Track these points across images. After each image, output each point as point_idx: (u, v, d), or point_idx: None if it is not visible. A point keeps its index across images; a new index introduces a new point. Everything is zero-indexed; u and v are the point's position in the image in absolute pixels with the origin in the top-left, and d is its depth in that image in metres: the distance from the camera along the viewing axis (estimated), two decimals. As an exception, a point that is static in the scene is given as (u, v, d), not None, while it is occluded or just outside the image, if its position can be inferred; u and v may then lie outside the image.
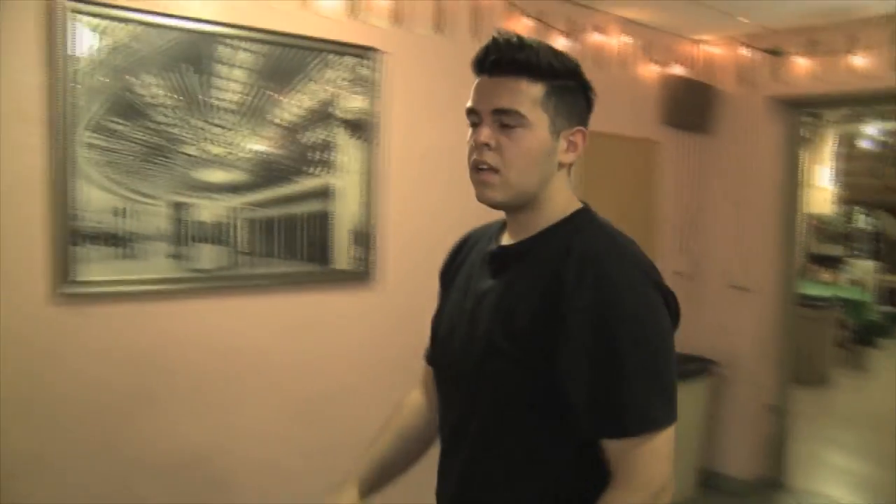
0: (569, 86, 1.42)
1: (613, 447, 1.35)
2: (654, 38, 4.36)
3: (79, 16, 2.50)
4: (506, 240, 1.52)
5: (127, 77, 2.61)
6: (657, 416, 1.34)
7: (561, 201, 1.47)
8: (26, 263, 2.51)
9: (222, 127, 2.81)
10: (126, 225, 2.64)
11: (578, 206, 1.50)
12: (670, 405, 1.36)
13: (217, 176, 2.82)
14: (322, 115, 3.07)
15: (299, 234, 3.06)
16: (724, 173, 4.77)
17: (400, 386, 3.39)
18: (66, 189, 2.52)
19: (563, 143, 1.43)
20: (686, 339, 4.58)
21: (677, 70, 4.48)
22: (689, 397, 4.35)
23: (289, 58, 2.96)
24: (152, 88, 2.66)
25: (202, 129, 2.77)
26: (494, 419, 1.44)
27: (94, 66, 2.54)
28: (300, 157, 3.03)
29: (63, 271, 2.55)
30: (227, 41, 2.80)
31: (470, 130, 1.43)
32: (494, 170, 1.39)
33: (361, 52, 3.16)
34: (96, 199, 2.57)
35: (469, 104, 1.42)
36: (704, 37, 4.59)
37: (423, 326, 3.36)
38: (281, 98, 2.95)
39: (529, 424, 1.41)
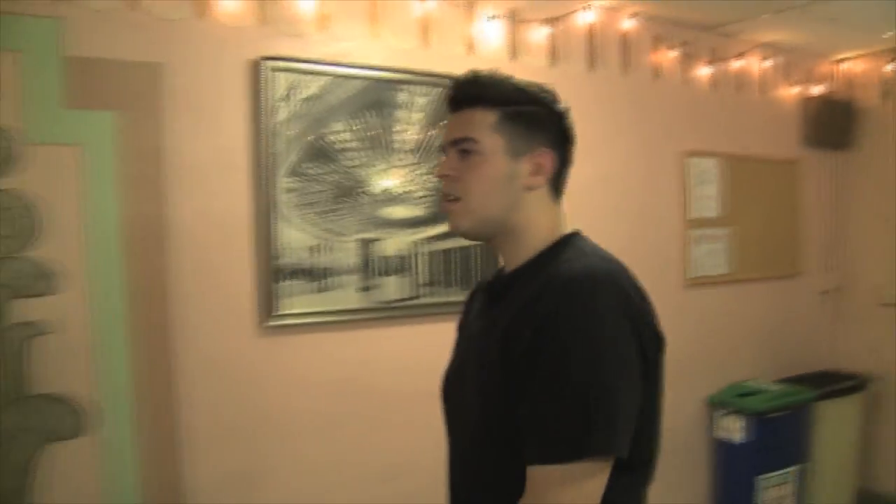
0: (527, 110, 1.40)
1: (530, 475, 1.24)
2: (794, 59, 4.36)
3: (277, 73, 2.71)
4: (505, 269, 1.47)
5: (318, 125, 2.81)
6: (582, 445, 1.19)
7: (542, 228, 1.41)
8: (236, 299, 2.73)
9: (402, 167, 2.98)
10: (321, 261, 2.83)
11: (564, 232, 1.43)
12: (607, 438, 1.20)
13: (399, 212, 2.99)
14: (488, 152, 3.20)
15: (473, 264, 3.19)
16: (870, 189, 4.68)
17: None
18: (269, 230, 2.72)
19: (526, 167, 1.39)
20: (834, 357, 4.53)
21: (817, 89, 4.46)
22: (840, 415, 4.26)
23: (457, 100, 3.11)
24: (341, 134, 2.86)
25: (385, 169, 2.95)
26: (477, 456, 1.40)
27: (291, 117, 2.75)
28: (472, 192, 3.16)
29: (268, 305, 2.75)
30: (404, 86, 2.98)
31: None
32: (456, 199, 1.39)
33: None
34: (295, 238, 2.77)
35: (442, 140, 1.46)
36: (845, 54, 4.55)
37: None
38: (452, 138, 3.10)
39: (504, 461, 1.31)
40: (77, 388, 2.51)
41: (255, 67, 2.71)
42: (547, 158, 1.41)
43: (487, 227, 1.40)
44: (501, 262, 1.48)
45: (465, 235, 1.43)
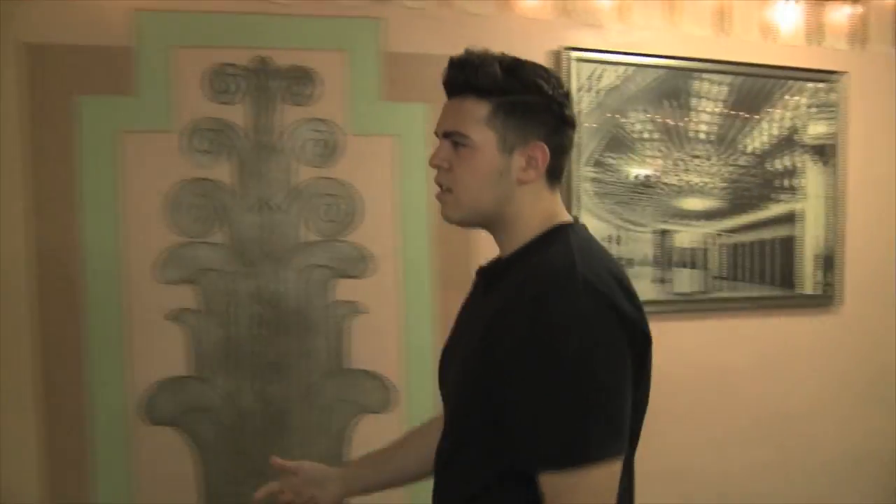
0: (523, 100, 1.30)
1: (547, 481, 1.18)
2: None
3: (580, 63, 2.69)
4: (500, 255, 1.40)
5: (617, 115, 2.76)
6: (593, 449, 1.15)
7: (536, 217, 1.33)
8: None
9: (698, 157, 2.87)
10: (618, 252, 2.78)
11: (559, 222, 1.34)
12: (613, 438, 1.18)
13: (694, 204, 2.88)
14: (787, 142, 3.03)
15: (767, 260, 3.02)
16: None
17: (861, 412, 3.24)
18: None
19: (518, 161, 1.30)
20: None
21: None
22: None
23: (755, 88, 2.96)
24: (639, 125, 2.79)
25: (681, 159, 2.85)
26: (455, 446, 1.36)
27: (592, 107, 2.72)
28: (767, 183, 3.00)
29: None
30: (701, 75, 2.86)
31: None
32: (448, 189, 1.33)
33: (823, 76, 3.07)
34: (594, 228, 2.72)
35: (435, 129, 1.38)
36: None
37: (888, 352, 3.19)
38: (749, 127, 2.95)
39: (481, 459, 1.28)
40: (386, 366, 2.61)
41: (558, 58, 2.71)
42: (540, 151, 1.31)
43: (479, 218, 1.35)
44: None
45: (458, 224, 1.38)
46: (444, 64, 2.50)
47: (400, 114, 2.59)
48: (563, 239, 1.30)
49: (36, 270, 2.36)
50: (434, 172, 1.38)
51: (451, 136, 1.32)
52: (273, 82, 2.49)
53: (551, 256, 1.27)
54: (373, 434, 2.58)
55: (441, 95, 2.50)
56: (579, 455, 1.15)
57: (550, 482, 1.17)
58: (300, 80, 2.51)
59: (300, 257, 2.53)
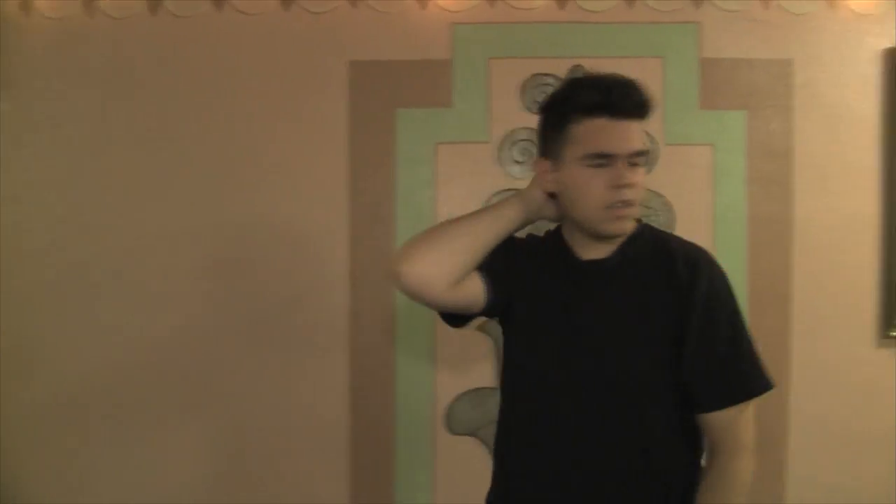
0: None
1: (724, 416, 1.45)
2: None
3: (916, 62, 2.44)
4: (583, 254, 1.53)
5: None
6: (765, 380, 1.46)
7: None
8: (858, 305, 2.50)
9: None
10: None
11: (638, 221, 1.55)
12: (766, 372, 1.47)
13: None
14: None
15: None
16: None
17: None
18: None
19: None
20: None
21: None
22: None
23: None
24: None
25: None
26: (636, 421, 1.46)
27: (929, 110, 2.46)
28: None
29: (890, 315, 2.48)
30: None
31: (594, 171, 1.43)
32: (631, 205, 1.43)
33: None
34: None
35: (602, 149, 1.41)
36: None
37: None
38: None
39: (651, 417, 1.47)
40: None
41: (891, 57, 2.47)
42: None
43: None
44: (581, 245, 1.55)
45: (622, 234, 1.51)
46: (766, 68, 2.38)
47: (717, 122, 2.45)
48: (659, 229, 1.63)
49: (351, 277, 2.46)
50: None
51: (640, 156, 1.44)
52: (587, 91, 2.42)
53: (679, 239, 1.58)
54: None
55: (762, 102, 2.37)
56: (757, 388, 1.46)
57: (726, 416, 1.45)
58: (615, 89, 2.43)
59: (609, 270, 2.44)
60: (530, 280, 1.55)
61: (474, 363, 2.46)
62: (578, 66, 2.42)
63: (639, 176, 1.44)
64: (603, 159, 1.41)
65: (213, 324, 2.45)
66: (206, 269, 2.44)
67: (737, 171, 2.45)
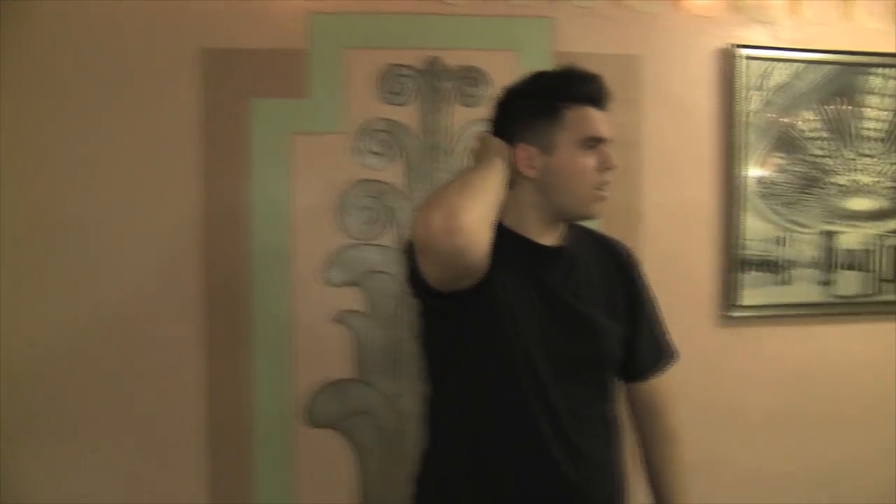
0: None
1: (660, 380, 1.77)
2: None
3: (749, 61, 2.59)
4: (544, 240, 1.62)
5: (787, 114, 2.65)
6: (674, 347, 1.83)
7: None
8: (697, 288, 2.65)
9: (870, 156, 2.74)
10: (783, 253, 2.68)
11: None
12: None
13: (861, 204, 2.75)
14: (959, 140, 2.88)
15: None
16: None
17: None
18: (734, 220, 2.61)
19: None
20: None
21: None
22: None
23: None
24: (809, 123, 2.67)
25: (852, 159, 2.72)
26: (606, 394, 1.65)
27: (762, 106, 2.62)
28: (941, 181, 2.86)
29: (729, 296, 2.64)
30: (876, 70, 2.73)
31: (587, 153, 1.56)
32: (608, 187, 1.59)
33: None
34: (759, 229, 2.64)
35: (597, 133, 1.56)
36: None
37: None
38: (923, 125, 2.81)
39: (612, 390, 1.68)
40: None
41: (727, 56, 2.61)
42: None
43: None
44: (535, 234, 1.62)
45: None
46: (616, 63, 2.46)
47: (570, 114, 2.51)
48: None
49: (206, 271, 2.38)
50: None
51: (607, 144, 1.58)
52: (443, 83, 2.45)
53: (588, 228, 1.76)
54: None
55: (613, 95, 2.44)
56: (675, 351, 1.82)
57: (659, 378, 1.78)
58: (470, 81, 2.46)
59: (467, 259, 2.48)
60: (501, 264, 1.50)
61: (333, 355, 2.44)
62: (436, 58, 2.43)
63: None
64: (594, 142, 1.56)
65: (70, 324, 2.32)
66: (50, 267, 2.31)
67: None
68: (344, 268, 2.42)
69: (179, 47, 2.34)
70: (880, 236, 2.78)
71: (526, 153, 1.57)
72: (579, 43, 2.51)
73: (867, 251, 2.77)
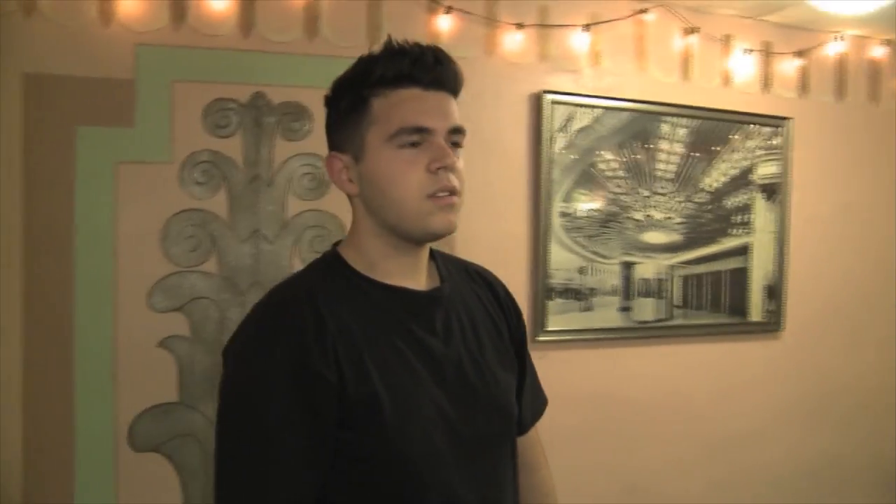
0: None
1: (535, 431, 1.46)
2: None
3: (556, 105, 2.84)
4: (409, 282, 1.22)
5: (590, 154, 2.91)
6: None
7: None
8: (510, 315, 2.85)
9: (661, 194, 3.04)
10: (587, 282, 2.93)
11: None
12: None
13: (657, 237, 3.05)
14: (740, 181, 3.23)
15: (722, 289, 3.21)
16: None
17: (803, 429, 3.46)
18: (544, 251, 2.85)
19: None
20: None
21: None
22: None
23: (714, 131, 3.15)
24: (610, 163, 2.95)
25: (647, 196, 3.01)
26: (514, 464, 1.32)
27: (567, 147, 2.87)
28: (722, 218, 3.20)
29: (539, 321, 2.86)
30: (666, 118, 3.04)
31: (407, 152, 1.14)
32: (456, 193, 1.16)
33: (772, 121, 3.28)
34: (565, 259, 2.88)
35: (416, 122, 1.14)
36: None
37: (823, 374, 3.42)
38: (706, 166, 3.14)
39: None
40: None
41: (537, 100, 2.84)
42: None
43: None
44: (392, 274, 1.22)
45: (448, 234, 1.18)
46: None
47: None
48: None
49: (28, 297, 2.37)
50: None
51: (457, 134, 1.18)
52: (267, 118, 2.56)
53: (456, 258, 1.40)
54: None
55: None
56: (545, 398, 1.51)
57: (536, 429, 1.47)
58: (293, 116, 2.59)
59: (290, 286, 2.59)
60: (363, 333, 1.15)
61: (157, 379, 2.48)
62: (261, 93, 2.54)
63: (460, 160, 1.18)
64: (418, 135, 1.14)
65: None
66: None
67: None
68: (168, 294, 2.48)
69: (1, 71, 2.34)
70: (672, 267, 3.08)
71: (339, 162, 1.21)
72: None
73: (661, 280, 3.05)
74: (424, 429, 1.15)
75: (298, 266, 2.43)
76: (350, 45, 2.61)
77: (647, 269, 3.03)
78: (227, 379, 1.16)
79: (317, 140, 2.56)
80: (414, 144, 1.14)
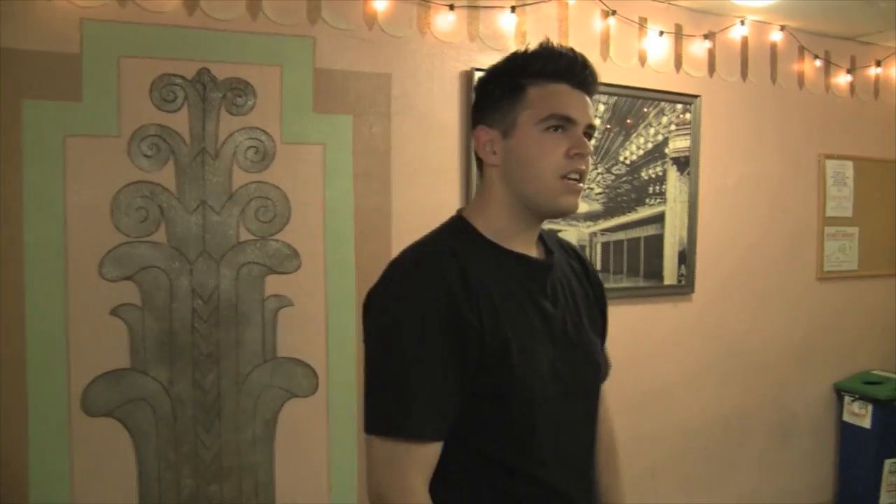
0: None
1: (603, 387, 1.60)
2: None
3: (485, 83, 3.03)
4: (528, 250, 1.43)
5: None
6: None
7: None
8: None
9: (585, 166, 3.27)
10: (515, 248, 3.13)
11: None
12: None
13: (581, 207, 3.27)
14: (656, 154, 3.49)
15: (640, 255, 3.47)
16: None
17: (711, 383, 3.76)
18: (474, 220, 3.04)
19: None
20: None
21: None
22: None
23: (631, 107, 3.39)
24: (536, 138, 3.16)
25: (570, 168, 3.24)
26: (596, 407, 1.54)
27: (496, 122, 3.06)
28: (640, 189, 3.45)
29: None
30: (588, 95, 3.26)
31: (552, 135, 1.34)
32: (583, 179, 1.37)
33: (685, 98, 3.55)
34: (495, 227, 3.07)
35: (565, 111, 1.33)
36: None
37: (727, 332, 3.73)
38: (624, 140, 3.39)
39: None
40: (313, 354, 2.85)
41: (467, 77, 3.03)
42: None
43: None
44: (516, 242, 1.41)
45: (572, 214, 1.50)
46: (370, 80, 2.80)
47: (329, 124, 2.82)
48: None
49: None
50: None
51: (590, 130, 1.37)
52: (213, 93, 2.67)
53: (555, 235, 1.59)
54: (299, 417, 2.82)
55: (366, 109, 2.80)
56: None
57: (603, 388, 1.59)
58: (237, 92, 2.71)
59: (236, 255, 2.72)
60: (494, 288, 1.34)
61: (109, 346, 2.58)
62: (206, 69, 2.65)
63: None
64: (563, 122, 1.33)
65: None
66: None
67: (345, 168, 2.85)
68: (118, 263, 2.58)
69: (-54, 46, 2.37)
70: (593, 234, 3.32)
71: (486, 135, 1.39)
72: (337, 60, 2.82)
73: (582, 246, 3.29)
74: (541, 374, 1.34)
75: (245, 235, 2.59)
76: (291, 23, 2.75)
77: (570, 235, 3.25)
78: (379, 319, 1.34)
79: (260, 114, 2.70)
80: (557, 129, 1.33)
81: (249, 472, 2.78)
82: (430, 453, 1.29)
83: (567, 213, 1.41)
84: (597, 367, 1.50)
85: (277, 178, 2.75)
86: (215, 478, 2.72)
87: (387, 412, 1.29)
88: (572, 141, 1.34)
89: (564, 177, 1.34)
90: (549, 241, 1.50)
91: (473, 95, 1.48)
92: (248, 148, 2.72)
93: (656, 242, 3.50)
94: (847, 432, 4.23)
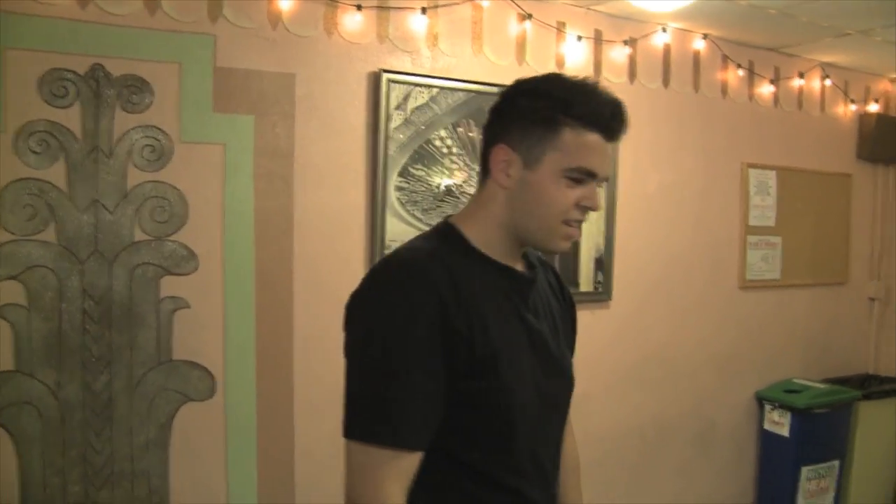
0: None
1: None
2: (852, 78, 4.56)
3: (394, 84, 3.03)
4: (513, 264, 1.46)
5: (426, 132, 3.12)
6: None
7: None
8: (350, 284, 3.01)
9: (496, 171, 3.28)
10: (423, 253, 3.14)
11: None
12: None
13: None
14: (572, 159, 3.51)
15: (556, 261, 3.48)
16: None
17: (630, 391, 3.80)
18: (380, 224, 3.04)
19: None
20: (878, 361, 4.77)
21: (873, 107, 4.67)
22: (881, 416, 4.46)
23: (545, 112, 3.41)
24: (445, 140, 3.16)
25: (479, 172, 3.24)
26: (566, 419, 1.67)
27: (403, 124, 3.07)
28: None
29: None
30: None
31: (571, 185, 1.36)
32: (580, 227, 1.43)
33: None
34: (402, 231, 3.07)
35: (592, 167, 1.36)
36: (899, 74, 4.75)
37: (647, 340, 3.76)
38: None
39: None
40: (210, 357, 2.83)
41: (375, 79, 3.02)
42: None
43: None
44: (506, 256, 1.46)
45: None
46: (273, 80, 2.79)
47: (229, 124, 2.80)
48: None
49: None
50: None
51: (604, 181, 1.42)
52: (108, 90, 2.64)
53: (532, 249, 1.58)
54: (194, 421, 2.80)
55: (269, 108, 2.78)
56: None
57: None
58: (134, 89, 2.67)
59: (130, 255, 2.69)
60: (484, 298, 1.37)
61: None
62: (99, 65, 2.61)
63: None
64: (584, 176, 1.36)
65: None
66: None
67: (245, 168, 2.83)
68: (3, 262, 2.54)
69: None
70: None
71: (506, 156, 1.38)
72: (239, 59, 2.80)
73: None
74: (523, 385, 1.39)
75: (140, 235, 2.57)
76: (191, 20, 2.72)
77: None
78: (362, 323, 1.34)
79: (158, 113, 2.67)
80: (577, 180, 1.35)
81: (142, 477, 2.75)
82: (409, 462, 1.30)
83: (552, 254, 1.49)
84: (570, 381, 1.57)
85: (175, 178, 2.72)
86: (105, 483, 2.68)
87: (367, 418, 1.29)
88: (587, 192, 1.37)
89: (566, 222, 1.38)
90: (530, 256, 1.54)
91: (499, 102, 1.47)
92: (145, 146, 2.69)
93: (573, 249, 3.51)
94: (767, 440, 4.30)
